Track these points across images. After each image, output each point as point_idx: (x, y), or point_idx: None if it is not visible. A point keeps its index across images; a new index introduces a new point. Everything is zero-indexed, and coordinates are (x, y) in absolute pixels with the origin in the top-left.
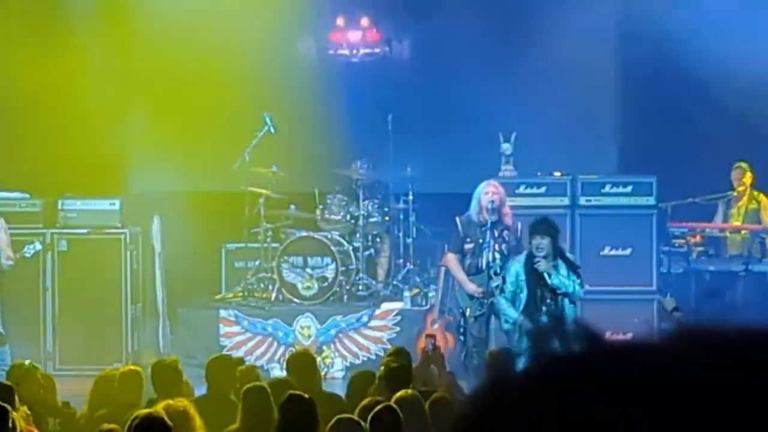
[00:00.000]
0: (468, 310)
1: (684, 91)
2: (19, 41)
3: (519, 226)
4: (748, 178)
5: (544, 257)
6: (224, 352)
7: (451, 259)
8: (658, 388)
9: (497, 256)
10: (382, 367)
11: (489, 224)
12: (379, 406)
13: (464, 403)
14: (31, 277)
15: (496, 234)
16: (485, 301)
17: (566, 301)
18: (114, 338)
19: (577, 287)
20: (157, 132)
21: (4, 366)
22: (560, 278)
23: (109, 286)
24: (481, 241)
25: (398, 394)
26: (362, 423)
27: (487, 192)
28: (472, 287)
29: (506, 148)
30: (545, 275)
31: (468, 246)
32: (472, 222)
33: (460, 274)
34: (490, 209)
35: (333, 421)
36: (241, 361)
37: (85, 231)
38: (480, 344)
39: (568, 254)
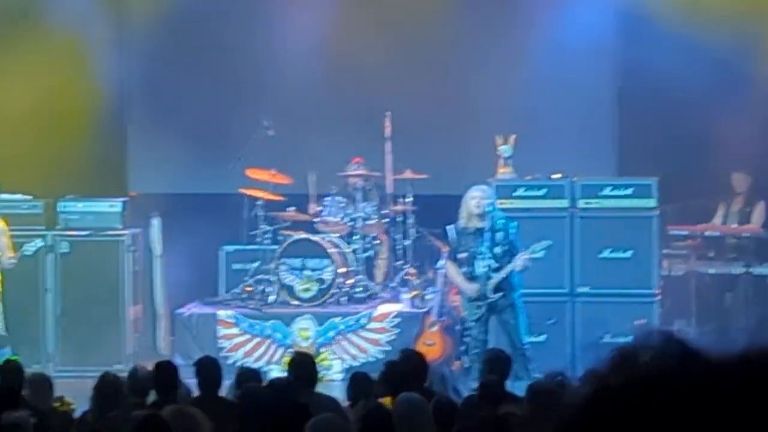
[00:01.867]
0: (465, 312)
1: (686, 91)
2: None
3: (513, 228)
4: (747, 182)
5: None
6: (223, 354)
7: (449, 266)
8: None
9: (491, 261)
10: (382, 369)
11: (478, 231)
12: (372, 408)
13: (567, 411)
14: (33, 278)
15: (486, 238)
16: (482, 303)
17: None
18: (114, 340)
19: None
20: (156, 133)
21: None
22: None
23: (109, 287)
24: (472, 247)
25: (400, 396)
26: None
27: (474, 197)
28: (469, 288)
29: (504, 150)
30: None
31: (461, 255)
32: (463, 230)
33: (458, 279)
34: (478, 215)
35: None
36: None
37: (86, 233)
38: (480, 345)
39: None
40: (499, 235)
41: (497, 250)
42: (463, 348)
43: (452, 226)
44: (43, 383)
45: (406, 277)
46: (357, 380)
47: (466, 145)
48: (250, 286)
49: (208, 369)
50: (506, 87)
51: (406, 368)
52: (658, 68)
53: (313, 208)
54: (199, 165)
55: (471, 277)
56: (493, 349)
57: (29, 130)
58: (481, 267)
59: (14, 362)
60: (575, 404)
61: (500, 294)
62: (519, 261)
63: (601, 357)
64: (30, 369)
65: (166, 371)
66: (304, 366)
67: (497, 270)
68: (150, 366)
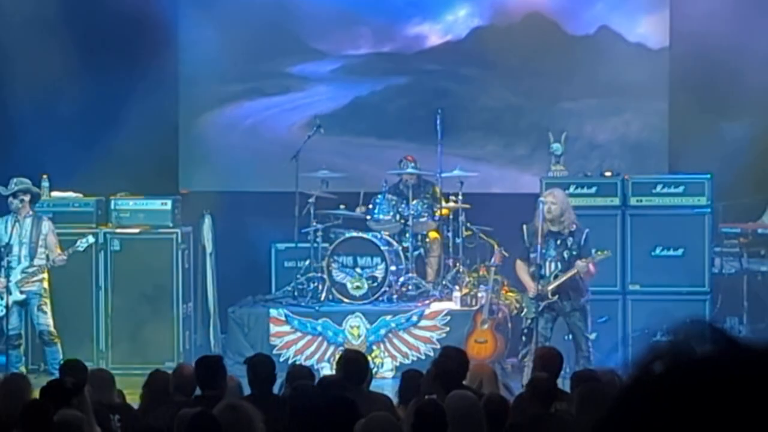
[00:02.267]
0: (525, 309)
1: (737, 87)
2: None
3: (584, 235)
4: None
5: None
6: (274, 352)
7: (518, 265)
8: None
9: (560, 264)
10: (434, 367)
11: (551, 233)
12: (424, 404)
13: (611, 399)
14: (85, 276)
15: (558, 242)
16: (540, 304)
17: None
18: (166, 337)
19: None
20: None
21: (55, 364)
22: None
23: (161, 285)
24: (543, 250)
25: (452, 393)
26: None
27: (545, 202)
28: (531, 288)
29: (556, 148)
30: None
31: (532, 255)
32: (535, 230)
33: (524, 276)
34: (547, 219)
35: (366, 419)
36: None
37: (137, 231)
38: (542, 343)
39: None
40: (570, 240)
41: (566, 254)
42: (522, 344)
43: (528, 224)
44: (105, 379)
45: (457, 275)
46: (410, 378)
47: (518, 142)
48: (301, 284)
49: (262, 366)
50: (557, 85)
51: (452, 366)
52: (710, 66)
53: (361, 208)
54: (250, 163)
55: (537, 277)
56: (545, 347)
57: (81, 127)
58: (548, 269)
59: (75, 361)
60: (618, 392)
61: (556, 297)
62: (579, 267)
63: (646, 348)
64: None
65: (207, 367)
66: (355, 364)
67: (562, 273)
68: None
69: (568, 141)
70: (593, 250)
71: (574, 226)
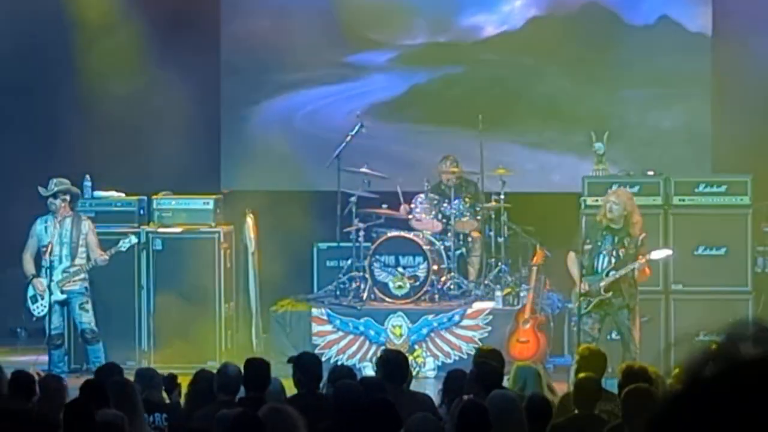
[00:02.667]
0: (575, 304)
1: None
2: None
3: (642, 238)
4: None
5: None
6: (316, 351)
7: (570, 257)
8: None
9: (613, 260)
10: (475, 368)
11: (609, 229)
12: (468, 404)
13: (662, 402)
14: (127, 275)
15: (616, 240)
16: (592, 300)
17: None
18: (208, 337)
19: None
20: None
21: (98, 362)
22: None
23: (203, 285)
24: (599, 243)
25: (493, 393)
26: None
27: (608, 201)
28: (578, 285)
29: (599, 147)
30: None
31: (587, 246)
32: (595, 224)
33: (574, 270)
34: (608, 217)
35: (411, 419)
36: None
37: (179, 230)
38: (590, 342)
39: None
40: (627, 239)
41: (621, 252)
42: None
43: (588, 217)
44: (153, 377)
45: (499, 274)
46: (453, 378)
47: (560, 142)
48: (343, 283)
49: (309, 366)
50: (599, 83)
51: (490, 366)
52: (753, 63)
53: (406, 207)
54: (293, 162)
55: (591, 271)
56: (589, 346)
57: (124, 128)
58: (601, 264)
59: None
60: (669, 396)
61: (611, 293)
62: (636, 266)
63: (694, 352)
64: (124, 366)
65: (257, 368)
66: (395, 364)
67: (616, 270)
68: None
69: (629, 129)
70: (654, 252)
71: (638, 231)
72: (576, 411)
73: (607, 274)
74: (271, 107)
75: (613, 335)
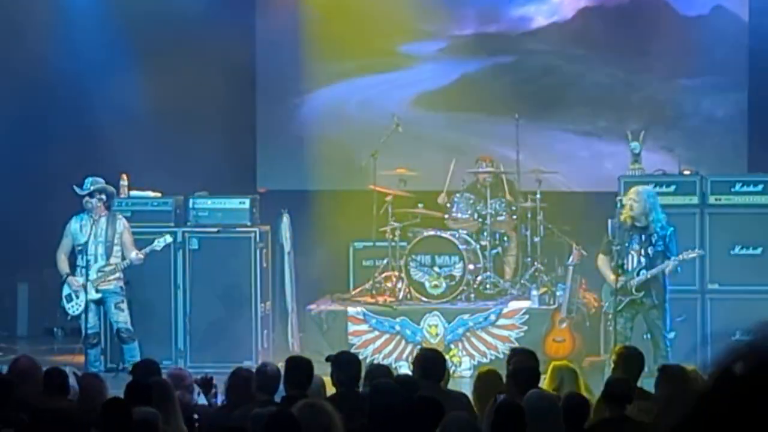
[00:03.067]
0: (605, 304)
1: None
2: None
3: (670, 232)
4: None
5: None
6: (352, 350)
7: (600, 258)
8: None
9: (643, 260)
10: (510, 367)
11: (635, 228)
12: (504, 403)
13: (692, 400)
14: (163, 275)
15: (643, 238)
16: (623, 299)
17: None
18: (244, 336)
19: None
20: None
21: (133, 361)
22: None
23: (239, 284)
24: (627, 243)
25: (530, 393)
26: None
27: (630, 198)
28: (613, 281)
29: (634, 146)
30: None
31: (615, 247)
32: (621, 224)
33: (605, 270)
34: (631, 215)
35: (447, 417)
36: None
37: (215, 230)
38: (623, 341)
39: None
40: (655, 237)
41: (650, 250)
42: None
43: (613, 218)
44: (185, 377)
45: (535, 274)
46: (488, 378)
47: (629, 117)
48: (379, 282)
49: (348, 364)
50: (653, 72)
51: (525, 366)
52: None
53: (443, 198)
54: (328, 162)
55: (619, 272)
56: (625, 346)
57: (159, 127)
58: (631, 263)
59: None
60: (700, 393)
61: (642, 293)
62: (670, 265)
63: (725, 348)
64: (161, 365)
65: (299, 367)
66: (432, 362)
67: (647, 269)
68: (280, 363)
69: (684, 117)
70: (686, 252)
71: (660, 226)
72: (607, 413)
73: (638, 273)
74: (317, 98)
75: (646, 335)
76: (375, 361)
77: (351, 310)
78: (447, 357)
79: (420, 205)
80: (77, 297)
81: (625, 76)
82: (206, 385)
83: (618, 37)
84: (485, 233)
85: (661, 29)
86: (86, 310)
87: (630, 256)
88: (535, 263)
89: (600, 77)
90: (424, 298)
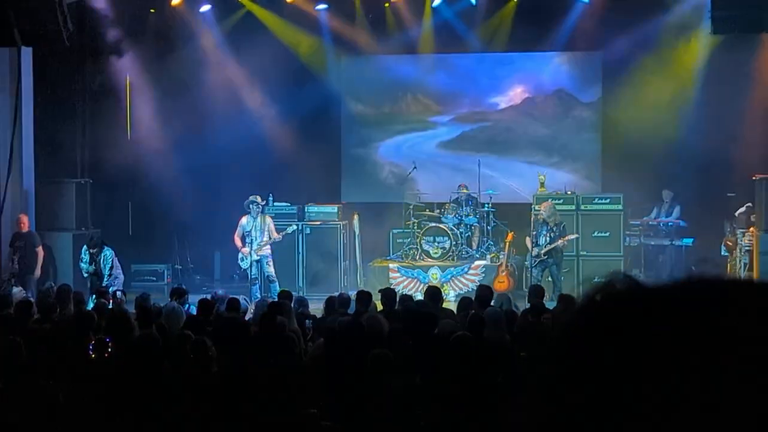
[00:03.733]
0: (527, 263)
1: None
2: None
3: (563, 225)
4: None
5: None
6: (392, 287)
7: (527, 239)
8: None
9: (548, 239)
10: (476, 294)
11: (545, 222)
12: (473, 315)
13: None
14: (291, 247)
15: (547, 228)
16: (536, 260)
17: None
18: (333, 279)
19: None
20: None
21: (275, 294)
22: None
23: (331, 251)
24: (539, 231)
25: (487, 309)
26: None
27: (543, 207)
28: (533, 251)
29: (541, 178)
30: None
31: (533, 233)
32: (537, 220)
33: (529, 245)
34: (541, 217)
35: (442, 322)
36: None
37: (319, 223)
38: (535, 282)
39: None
40: (554, 227)
41: (551, 234)
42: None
43: (534, 218)
44: (305, 301)
45: (488, 247)
46: (464, 301)
47: (525, 169)
48: (406, 251)
49: (390, 294)
50: (554, 137)
51: (485, 294)
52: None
53: (437, 211)
54: (381, 184)
55: (534, 245)
56: (536, 284)
57: (291, 161)
58: (542, 240)
59: (287, 291)
60: (574, 310)
61: (547, 256)
62: (561, 242)
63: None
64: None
65: (364, 295)
66: (435, 292)
67: (550, 244)
68: (353, 293)
69: (572, 158)
70: (568, 234)
71: (558, 220)
72: (530, 318)
73: (545, 246)
74: (382, 146)
75: (548, 279)
76: (403, 293)
77: (391, 265)
78: (442, 290)
79: (427, 210)
80: (245, 259)
81: (549, 133)
82: (180, 293)
83: (546, 111)
84: (462, 225)
85: (565, 111)
86: (251, 266)
87: (541, 237)
88: (488, 240)
89: (535, 132)
90: (429, 260)
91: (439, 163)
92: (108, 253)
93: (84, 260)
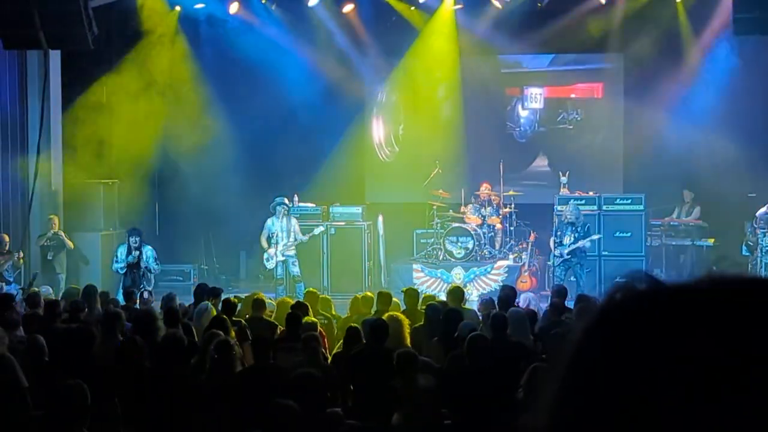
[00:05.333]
0: (551, 263)
1: None
2: None
3: (587, 226)
4: None
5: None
6: (415, 287)
7: (551, 240)
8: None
9: (572, 239)
10: (499, 295)
11: (570, 223)
12: (496, 315)
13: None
14: (317, 247)
15: (572, 229)
16: (560, 259)
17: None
18: (357, 278)
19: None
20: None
21: (301, 293)
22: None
23: (356, 251)
24: (563, 232)
25: (510, 310)
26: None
27: (567, 208)
28: (555, 251)
29: (563, 181)
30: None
31: (558, 233)
32: (561, 221)
33: (552, 246)
34: (566, 217)
35: (463, 323)
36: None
37: (343, 223)
38: (559, 282)
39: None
40: (579, 228)
41: (575, 235)
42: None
43: (558, 218)
44: (328, 300)
45: (511, 247)
46: (486, 301)
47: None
48: (430, 251)
49: (413, 293)
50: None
51: (507, 294)
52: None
53: (463, 209)
54: (404, 186)
55: (558, 245)
56: (558, 284)
57: (315, 162)
58: (566, 241)
59: (314, 291)
60: (596, 310)
61: (570, 256)
62: (585, 242)
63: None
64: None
65: (385, 295)
66: (457, 292)
67: (573, 244)
68: (374, 293)
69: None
70: (592, 235)
71: (581, 222)
72: (553, 318)
73: (569, 246)
74: (398, 154)
75: (572, 279)
76: (426, 293)
77: (414, 265)
78: (465, 290)
79: (450, 210)
80: (271, 259)
81: (572, 133)
82: (215, 293)
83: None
84: (484, 225)
85: (587, 111)
86: (276, 266)
87: (566, 238)
88: (511, 241)
89: (553, 140)
90: (453, 259)
91: (460, 163)
92: (150, 252)
93: (121, 252)
